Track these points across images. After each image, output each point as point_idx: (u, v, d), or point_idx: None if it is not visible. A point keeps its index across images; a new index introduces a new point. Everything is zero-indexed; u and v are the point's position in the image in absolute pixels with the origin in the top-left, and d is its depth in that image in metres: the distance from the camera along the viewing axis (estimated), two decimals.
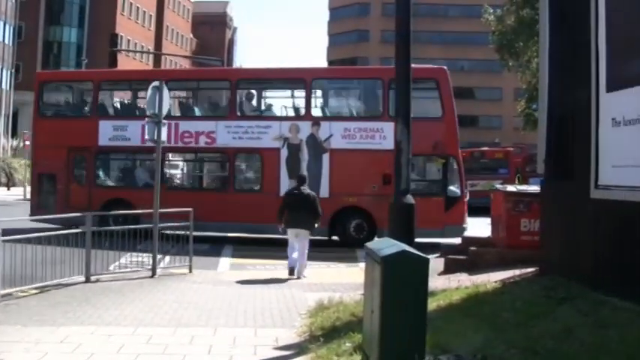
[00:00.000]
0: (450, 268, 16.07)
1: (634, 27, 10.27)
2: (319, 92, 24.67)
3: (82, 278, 14.90)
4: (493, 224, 17.56)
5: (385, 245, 7.46)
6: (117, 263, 16.64)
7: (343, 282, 15.39)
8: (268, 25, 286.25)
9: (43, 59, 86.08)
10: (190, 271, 16.64)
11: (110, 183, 25.98)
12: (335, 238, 23.17)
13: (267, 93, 25.67)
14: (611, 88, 10.76)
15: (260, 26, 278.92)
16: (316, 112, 23.86)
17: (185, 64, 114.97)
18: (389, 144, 19.60)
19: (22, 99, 76.12)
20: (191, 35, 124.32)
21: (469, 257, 16.32)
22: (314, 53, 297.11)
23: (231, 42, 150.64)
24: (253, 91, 25.07)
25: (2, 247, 12.55)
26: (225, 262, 19.87)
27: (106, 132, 24.78)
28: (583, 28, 11.43)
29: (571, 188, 12.16)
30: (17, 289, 13.15)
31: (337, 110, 24.62)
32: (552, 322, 9.08)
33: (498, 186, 18.51)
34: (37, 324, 10.94)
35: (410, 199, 11.79)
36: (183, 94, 27.12)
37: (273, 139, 23.33)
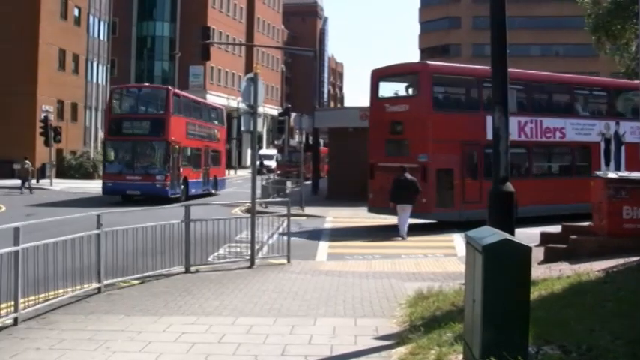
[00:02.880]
0: (550, 257, 15.88)
1: None
2: (617, 99, 32.35)
3: (182, 269, 15.18)
4: (594, 212, 17.19)
5: (486, 234, 7.36)
6: (215, 254, 16.94)
7: (442, 271, 15.34)
8: (359, 13, 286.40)
9: (136, 54, 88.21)
10: (288, 261, 16.70)
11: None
12: None
13: (588, 97, 32.48)
14: None
15: (350, 15, 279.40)
16: (615, 114, 31.07)
17: (277, 55, 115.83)
18: None
19: None
20: (282, 26, 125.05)
21: (569, 246, 16.07)
22: (405, 41, 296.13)
23: (322, 32, 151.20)
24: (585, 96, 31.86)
25: (104, 237, 12.90)
26: (322, 252, 19.95)
27: None
28: None
29: None
30: (119, 279, 13.54)
31: (625, 113, 31.58)
32: None
33: (599, 173, 18.11)
34: (140, 313, 11.25)
35: (509, 187, 11.53)
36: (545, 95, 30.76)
37: (596, 135, 29.51)
